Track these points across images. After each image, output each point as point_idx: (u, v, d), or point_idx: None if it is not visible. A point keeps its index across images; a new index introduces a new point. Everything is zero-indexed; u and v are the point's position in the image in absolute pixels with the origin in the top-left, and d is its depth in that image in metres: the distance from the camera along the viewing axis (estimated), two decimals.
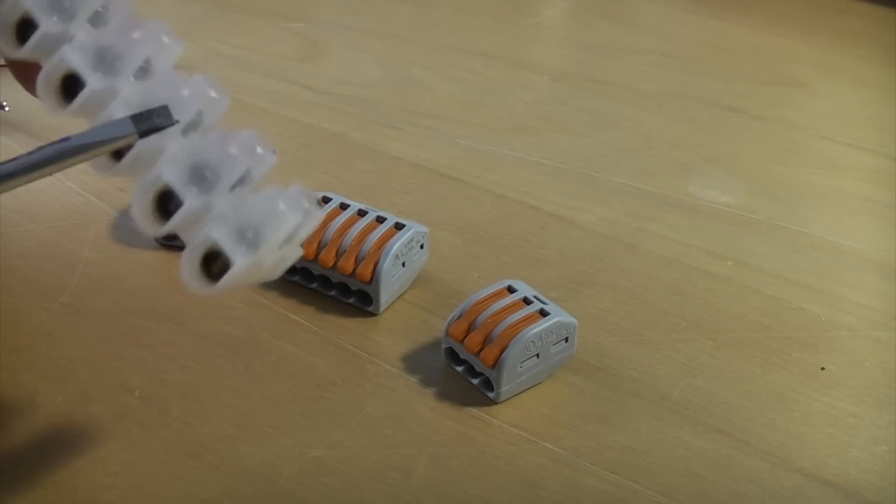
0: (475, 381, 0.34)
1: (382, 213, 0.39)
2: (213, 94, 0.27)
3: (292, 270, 0.39)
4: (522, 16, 0.69)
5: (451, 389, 0.34)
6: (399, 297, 0.38)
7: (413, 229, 0.38)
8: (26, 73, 0.27)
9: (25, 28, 0.27)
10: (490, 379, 0.33)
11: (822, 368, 0.36)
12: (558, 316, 0.34)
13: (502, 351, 0.33)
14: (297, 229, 0.26)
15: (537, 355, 0.34)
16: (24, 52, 0.26)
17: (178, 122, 0.26)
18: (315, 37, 0.63)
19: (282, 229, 0.25)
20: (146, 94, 0.26)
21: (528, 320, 0.34)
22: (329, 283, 0.38)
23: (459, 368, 0.35)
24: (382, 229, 0.38)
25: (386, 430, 0.32)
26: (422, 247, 0.39)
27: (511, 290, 0.35)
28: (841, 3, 0.73)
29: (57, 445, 0.31)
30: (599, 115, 0.55)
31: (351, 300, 0.38)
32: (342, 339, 0.36)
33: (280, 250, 0.26)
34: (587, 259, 0.42)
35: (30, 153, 0.25)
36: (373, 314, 0.37)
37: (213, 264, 0.25)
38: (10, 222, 0.42)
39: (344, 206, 0.39)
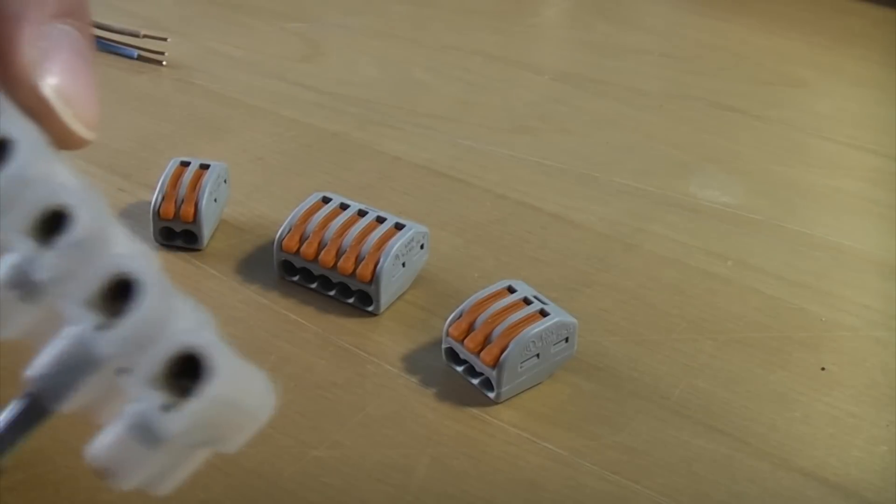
0: (475, 381, 0.34)
1: (382, 214, 0.39)
2: None
3: (292, 270, 0.39)
4: (522, 16, 0.69)
5: (451, 389, 0.34)
6: (399, 297, 0.38)
7: (413, 229, 0.38)
8: None
9: None
10: (490, 379, 0.33)
11: (823, 368, 0.36)
12: (558, 316, 0.34)
13: (502, 351, 0.33)
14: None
15: (537, 355, 0.34)
16: None
17: None
18: (315, 37, 0.63)
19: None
20: None
21: (528, 320, 0.34)
22: (329, 284, 0.38)
23: (459, 368, 0.35)
24: (382, 229, 0.38)
25: (386, 431, 0.32)
26: (422, 247, 0.39)
27: (511, 290, 0.35)
28: (841, 3, 0.72)
29: (57, 445, 0.31)
30: (599, 115, 0.55)
31: (351, 300, 0.38)
32: (342, 339, 0.36)
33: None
34: (587, 259, 0.42)
35: None
36: (373, 314, 0.37)
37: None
38: None
39: (344, 206, 0.39)
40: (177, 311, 0.23)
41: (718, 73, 0.61)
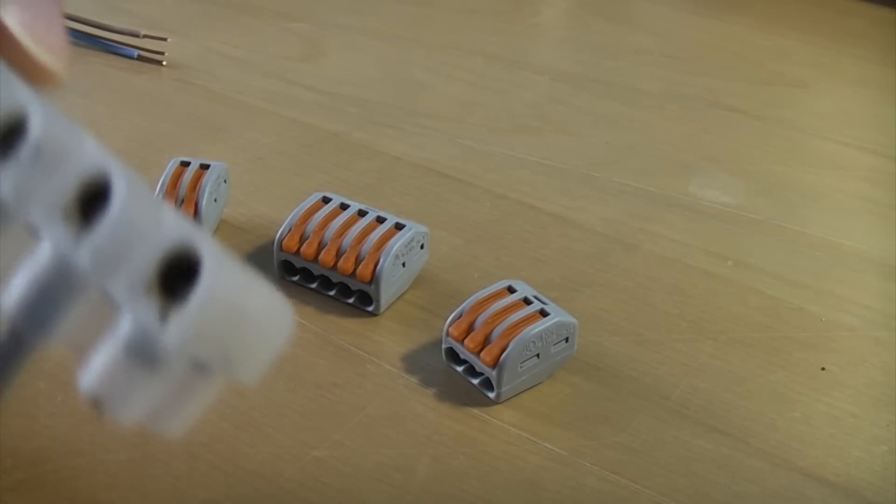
0: (475, 381, 0.34)
1: (382, 214, 0.39)
2: None
3: (292, 270, 0.39)
4: (522, 16, 0.69)
5: (451, 389, 0.34)
6: (399, 297, 0.38)
7: (413, 229, 0.38)
8: None
9: None
10: (490, 379, 0.33)
11: (823, 368, 0.36)
12: (558, 316, 0.34)
13: (502, 351, 0.33)
14: None
15: (538, 355, 0.34)
16: None
17: None
18: (315, 37, 0.63)
19: None
20: None
21: (528, 320, 0.34)
22: (329, 284, 0.38)
23: (459, 368, 0.35)
24: (382, 229, 0.38)
25: (386, 431, 0.32)
26: (422, 247, 0.39)
27: (511, 290, 0.35)
28: (841, 3, 0.72)
29: (57, 445, 0.31)
30: (599, 115, 0.55)
31: (351, 300, 0.38)
32: (342, 339, 0.36)
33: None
34: (587, 259, 0.42)
35: None
36: (373, 314, 0.37)
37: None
38: None
39: (344, 207, 0.39)
40: (161, 212, 0.19)
41: (718, 73, 0.61)
